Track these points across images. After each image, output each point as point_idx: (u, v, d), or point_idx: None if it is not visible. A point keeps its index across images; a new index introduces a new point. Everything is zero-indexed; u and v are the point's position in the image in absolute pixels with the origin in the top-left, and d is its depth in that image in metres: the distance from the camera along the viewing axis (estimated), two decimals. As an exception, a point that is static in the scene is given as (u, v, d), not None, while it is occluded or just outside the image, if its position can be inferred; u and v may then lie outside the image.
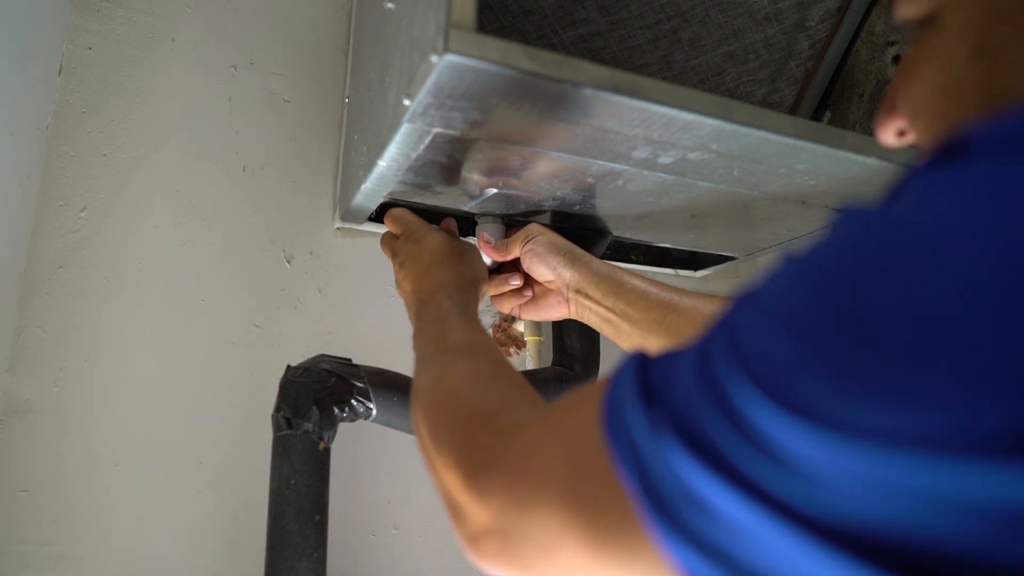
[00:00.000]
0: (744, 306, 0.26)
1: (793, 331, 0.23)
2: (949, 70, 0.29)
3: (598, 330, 0.70)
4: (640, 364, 0.30)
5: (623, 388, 0.30)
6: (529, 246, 0.72)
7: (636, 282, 0.67)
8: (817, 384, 0.22)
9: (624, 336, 0.67)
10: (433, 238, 0.70)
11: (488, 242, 0.76)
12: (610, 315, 0.67)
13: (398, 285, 0.72)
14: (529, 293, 0.76)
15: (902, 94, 0.33)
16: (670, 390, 0.27)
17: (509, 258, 0.75)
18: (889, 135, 0.36)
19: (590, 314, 0.69)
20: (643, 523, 0.26)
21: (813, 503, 0.22)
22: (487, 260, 0.77)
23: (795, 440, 0.22)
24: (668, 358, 0.29)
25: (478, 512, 0.36)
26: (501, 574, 0.35)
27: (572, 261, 0.70)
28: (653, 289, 0.66)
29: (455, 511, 0.39)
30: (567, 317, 0.73)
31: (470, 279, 0.67)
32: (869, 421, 0.20)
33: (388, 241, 0.76)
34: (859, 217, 0.24)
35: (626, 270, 0.69)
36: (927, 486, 0.19)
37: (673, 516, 0.25)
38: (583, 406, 0.33)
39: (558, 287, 0.72)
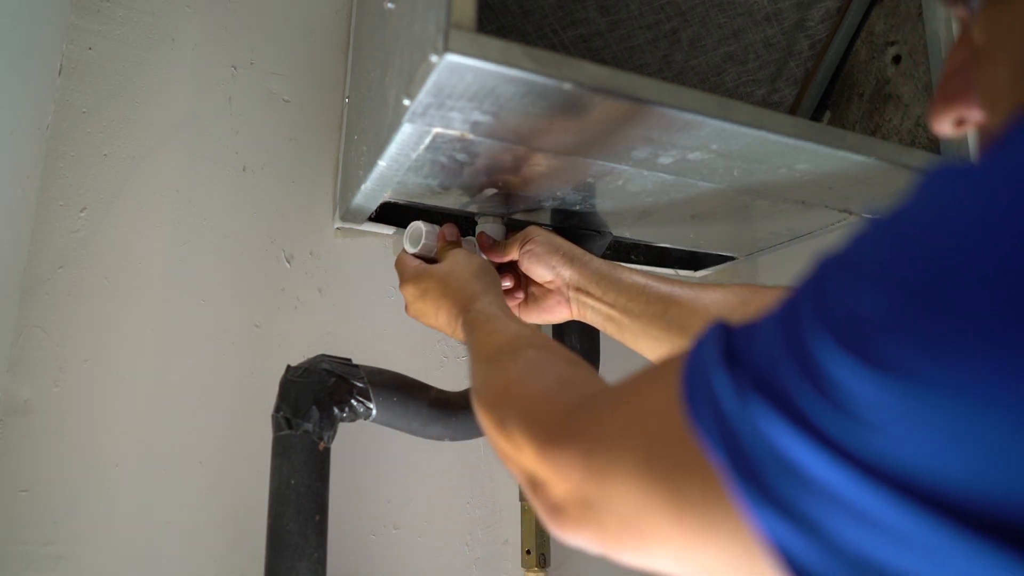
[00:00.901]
0: (829, 265, 0.26)
1: (880, 286, 0.23)
2: None
3: (600, 328, 0.69)
4: (722, 331, 0.30)
5: (705, 354, 0.29)
6: (528, 247, 0.71)
7: (636, 277, 0.67)
8: (903, 339, 0.22)
9: (627, 332, 0.66)
10: (427, 270, 0.70)
11: (486, 243, 0.76)
12: (612, 311, 0.67)
13: (435, 325, 0.71)
14: (521, 295, 0.75)
15: (982, 80, 0.31)
16: (754, 352, 0.27)
17: (506, 259, 0.74)
18: (946, 124, 0.35)
19: (592, 312, 0.69)
20: (728, 492, 0.26)
21: (898, 462, 0.21)
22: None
23: (878, 396, 0.22)
24: (752, 323, 0.29)
25: (557, 483, 0.36)
26: (585, 543, 0.35)
27: (571, 260, 0.70)
28: (653, 283, 0.66)
29: (534, 485, 0.39)
30: (569, 319, 0.73)
31: (484, 277, 0.67)
32: (957, 378, 0.20)
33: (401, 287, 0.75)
34: (952, 174, 0.24)
35: (624, 266, 0.69)
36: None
37: (760, 481, 0.25)
38: (659, 376, 0.32)
39: (558, 287, 0.71)
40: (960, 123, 0.35)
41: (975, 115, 0.33)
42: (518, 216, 0.85)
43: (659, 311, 0.64)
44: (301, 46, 0.94)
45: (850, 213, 0.83)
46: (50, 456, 0.73)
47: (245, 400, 0.83)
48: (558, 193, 0.77)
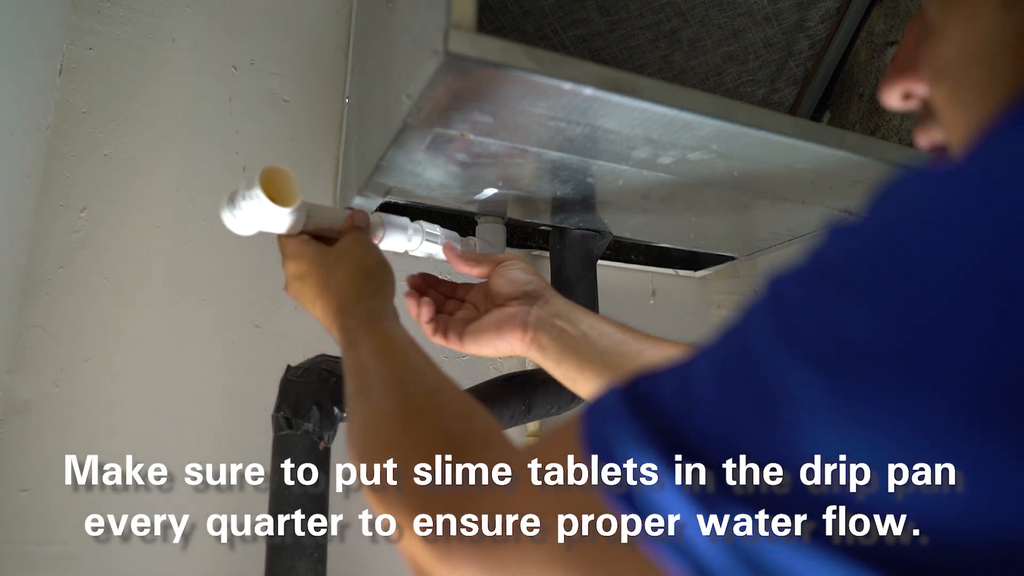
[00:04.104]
0: (788, 282, 0.23)
1: (865, 298, 0.20)
2: (978, 28, 0.27)
3: (552, 361, 0.59)
4: (629, 383, 0.27)
5: (605, 416, 0.26)
6: (507, 262, 0.62)
7: (597, 320, 0.58)
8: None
9: (586, 364, 0.56)
10: (312, 251, 0.61)
11: (455, 253, 0.64)
12: (576, 340, 0.57)
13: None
14: (447, 317, 0.63)
15: (927, 53, 0.30)
16: (681, 400, 0.24)
17: (476, 272, 0.63)
18: (894, 97, 0.33)
19: (549, 338, 0.58)
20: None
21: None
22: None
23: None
24: (670, 370, 0.26)
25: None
26: None
27: (546, 285, 0.61)
28: (614, 329, 0.57)
29: (419, 571, 0.35)
30: (515, 350, 0.60)
31: (379, 276, 0.57)
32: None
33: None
34: (924, 178, 0.22)
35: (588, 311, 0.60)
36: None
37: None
38: (558, 444, 0.29)
39: (519, 310, 0.59)
40: (907, 97, 0.33)
41: (920, 89, 0.32)
42: (518, 218, 0.85)
43: (615, 360, 0.55)
44: (301, 46, 0.94)
45: (850, 213, 0.83)
46: (50, 456, 0.73)
47: (245, 400, 0.83)
48: (558, 193, 0.77)
